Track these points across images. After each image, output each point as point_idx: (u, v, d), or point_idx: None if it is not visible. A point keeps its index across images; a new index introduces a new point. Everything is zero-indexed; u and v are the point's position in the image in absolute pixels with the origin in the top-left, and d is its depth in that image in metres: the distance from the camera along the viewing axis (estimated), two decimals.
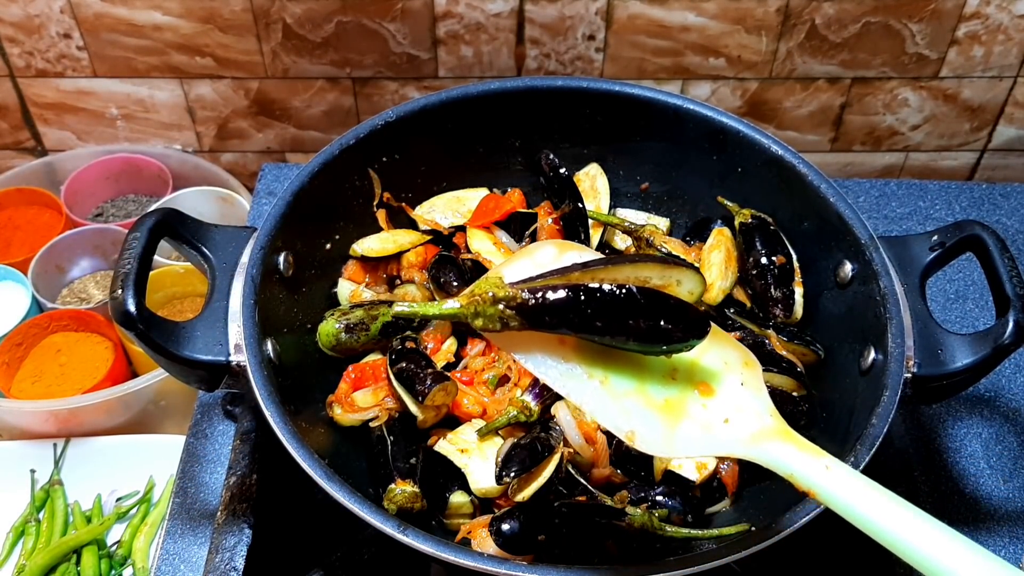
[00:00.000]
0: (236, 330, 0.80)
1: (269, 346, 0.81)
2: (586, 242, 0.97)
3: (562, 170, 1.00)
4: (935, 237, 0.87)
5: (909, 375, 0.80)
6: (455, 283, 0.90)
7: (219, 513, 0.94)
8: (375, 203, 0.99)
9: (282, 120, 1.46)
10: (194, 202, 1.39)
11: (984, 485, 1.00)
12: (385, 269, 0.99)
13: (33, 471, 1.17)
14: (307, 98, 1.43)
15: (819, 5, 1.30)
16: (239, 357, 0.78)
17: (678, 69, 1.38)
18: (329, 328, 0.89)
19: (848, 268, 0.88)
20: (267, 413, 0.75)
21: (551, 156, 1.01)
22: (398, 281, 0.99)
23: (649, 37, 1.34)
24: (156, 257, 1.02)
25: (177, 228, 0.84)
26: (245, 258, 0.84)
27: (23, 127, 1.48)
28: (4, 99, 1.44)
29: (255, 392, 0.76)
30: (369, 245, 0.97)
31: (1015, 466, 1.02)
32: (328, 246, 0.95)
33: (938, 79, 1.40)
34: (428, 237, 1.00)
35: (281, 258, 0.87)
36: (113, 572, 1.10)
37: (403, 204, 1.02)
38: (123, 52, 1.37)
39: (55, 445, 1.17)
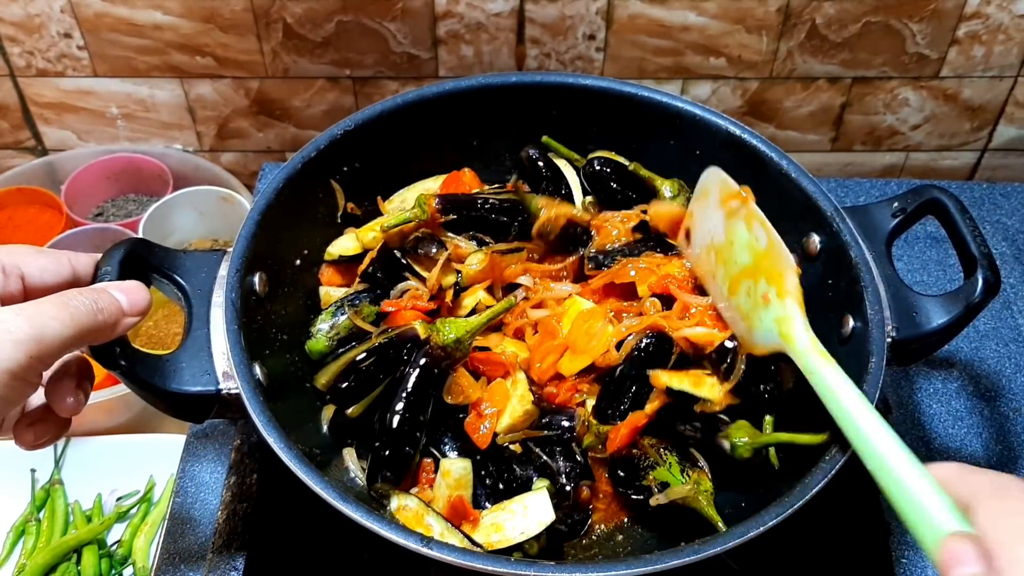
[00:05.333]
0: (222, 357, 0.78)
1: (257, 370, 0.79)
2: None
3: (540, 163, 1.02)
4: (896, 204, 0.90)
5: (889, 339, 0.81)
6: (434, 250, 0.91)
7: (219, 513, 0.94)
8: (339, 214, 0.98)
9: (282, 120, 1.46)
10: (194, 202, 1.40)
11: None
12: (358, 270, 0.99)
13: (33, 471, 1.17)
14: (307, 98, 1.43)
15: (819, 5, 1.30)
16: (229, 384, 0.77)
17: (678, 69, 1.38)
18: (320, 345, 0.89)
19: (816, 240, 0.90)
20: (270, 440, 0.73)
21: (531, 152, 1.02)
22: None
23: (649, 37, 1.34)
24: None
25: (146, 258, 0.82)
26: (219, 282, 0.82)
27: (23, 126, 1.48)
28: (4, 99, 1.44)
29: (253, 420, 0.75)
30: (344, 245, 0.97)
31: (1015, 467, 1.02)
32: (298, 261, 0.95)
33: (938, 79, 1.41)
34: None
35: (256, 279, 0.85)
36: (113, 572, 1.10)
37: (365, 207, 1.01)
38: (123, 52, 1.37)
39: (55, 445, 1.17)
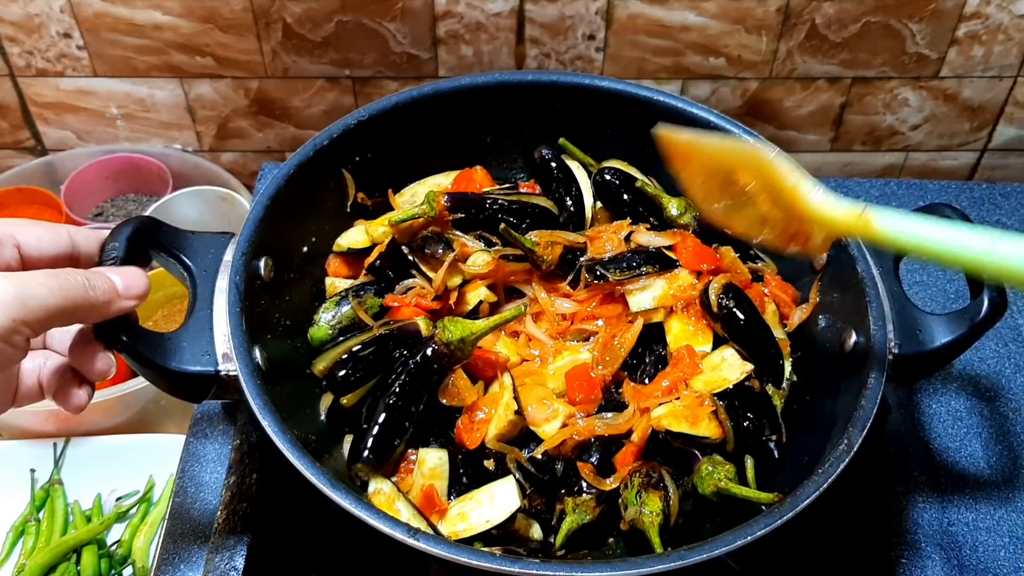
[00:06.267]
0: (223, 339, 0.78)
1: (257, 353, 0.80)
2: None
3: (552, 164, 1.01)
4: None
5: (891, 356, 0.81)
6: (441, 251, 0.91)
7: (219, 512, 0.94)
8: (349, 203, 0.98)
9: (282, 120, 1.46)
10: (194, 201, 1.39)
11: (984, 485, 1.01)
12: (365, 263, 0.99)
13: (33, 471, 1.17)
14: (307, 97, 1.43)
15: (819, 5, 1.30)
16: (228, 366, 0.77)
17: (678, 69, 1.38)
18: (322, 333, 0.89)
19: (824, 254, 0.89)
20: (264, 423, 0.74)
21: (544, 152, 1.02)
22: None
23: (649, 37, 1.34)
24: None
25: (154, 236, 0.82)
26: (225, 265, 0.82)
27: (23, 126, 1.48)
28: (4, 98, 1.44)
29: (249, 402, 0.75)
30: (353, 238, 0.97)
31: (1015, 466, 1.02)
32: (305, 248, 0.95)
33: (938, 79, 1.40)
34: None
35: (261, 263, 0.86)
36: (113, 571, 1.10)
37: (375, 198, 1.01)
38: (123, 51, 1.37)
39: (55, 445, 1.17)
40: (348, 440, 0.87)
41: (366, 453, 0.80)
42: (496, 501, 0.80)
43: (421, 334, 0.85)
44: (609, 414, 0.85)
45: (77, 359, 0.73)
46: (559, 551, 0.82)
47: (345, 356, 0.85)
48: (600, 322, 0.92)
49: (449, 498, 0.83)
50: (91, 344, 0.73)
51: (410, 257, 0.92)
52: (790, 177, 0.72)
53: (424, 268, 0.91)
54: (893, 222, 0.67)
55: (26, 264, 0.71)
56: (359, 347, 0.85)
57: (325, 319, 0.91)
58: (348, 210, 0.98)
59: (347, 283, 0.96)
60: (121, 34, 1.34)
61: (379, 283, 0.94)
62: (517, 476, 0.82)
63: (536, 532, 0.83)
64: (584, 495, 0.83)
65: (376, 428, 0.81)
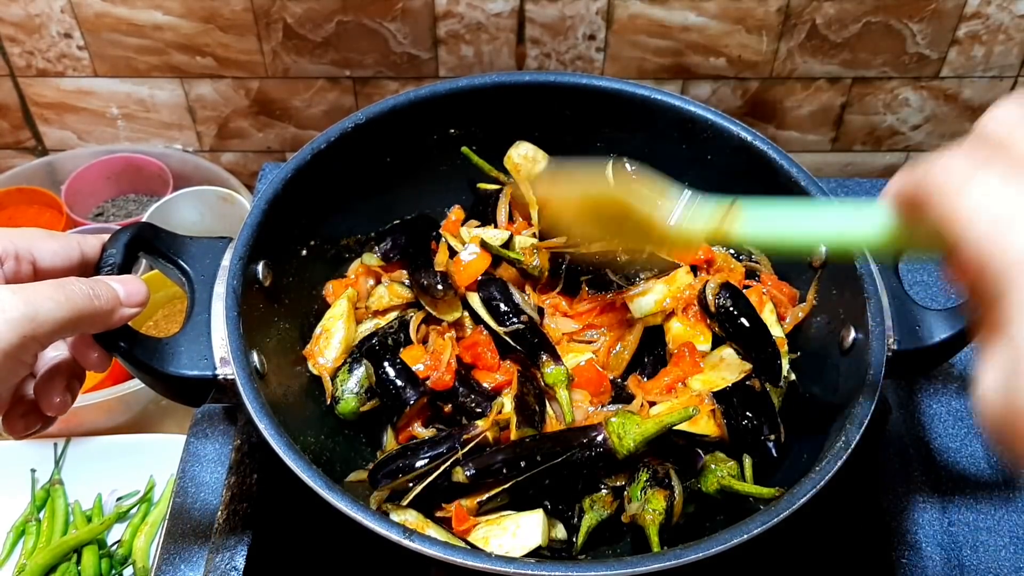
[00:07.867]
0: (220, 343, 0.78)
1: (255, 357, 0.80)
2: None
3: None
4: None
5: (890, 352, 0.81)
6: (439, 286, 0.91)
7: (219, 512, 0.94)
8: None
9: (282, 120, 1.46)
10: (194, 202, 1.40)
11: (984, 485, 1.00)
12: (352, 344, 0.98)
13: (33, 471, 1.17)
14: (307, 98, 1.43)
15: (820, 5, 1.30)
16: (226, 370, 0.77)
17: (679, 69, 1.38)
18: (351, 406, 0.88)
19: (822, 250, 0.90)
20: (261, 426, 0.74)
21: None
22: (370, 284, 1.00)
23: (650, 37, 1.34)
24: None
25: (152, 242, 0.82)
26: (223, 269, 0.82)
27: (23, 127, 1.48)
28: (5, 99, 1.44)
29: (246, 406, 0.75)
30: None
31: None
32: (304, 252, 0.95)
33: (939, 79, 1.40)
34: None
35: (260, 267, 0.85)
36: (113, 572, 1.10)
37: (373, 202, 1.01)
38: (124, 52, 1.37)
39: (55, 445, 1.17)
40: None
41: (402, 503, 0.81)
42: (520, 533, 0.79)
43: (488, 440, 0.84)
44: (618, 406, 0.85)
45: (39, 392, 0.73)
46: (580, 550, 0.82)
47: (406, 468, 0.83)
48: (604, 329, 0.92)
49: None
50: (54, 379, 0.73)
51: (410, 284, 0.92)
52: (643, 210, 0.71)
53: (423, 302, 0.92)
54: (748, 226, 0.66)
55: (37, 277, 0.71)
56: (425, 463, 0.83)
57: (349, 389, 0.88)
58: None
59: (344, 305, 0.95)
60: (121, 34, 1.35)
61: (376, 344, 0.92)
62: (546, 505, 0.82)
63: (560, 532, 0.83)
64: (601, 491, 0.83)
65: (419, 488, 0.81)
